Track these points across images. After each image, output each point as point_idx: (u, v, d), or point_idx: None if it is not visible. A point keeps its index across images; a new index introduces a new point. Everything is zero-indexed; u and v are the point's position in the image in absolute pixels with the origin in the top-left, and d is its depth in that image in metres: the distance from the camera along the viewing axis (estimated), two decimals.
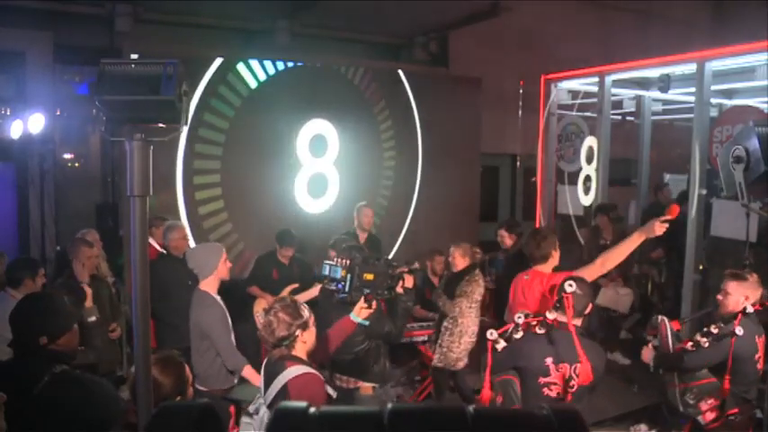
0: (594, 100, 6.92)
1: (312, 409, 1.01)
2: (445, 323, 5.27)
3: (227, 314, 4.05)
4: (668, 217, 3.86)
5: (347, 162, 7.19)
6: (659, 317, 4.03)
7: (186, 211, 6.24)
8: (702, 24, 10.85)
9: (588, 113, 7.34)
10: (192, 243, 6.02)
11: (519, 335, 3.31)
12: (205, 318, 3.95)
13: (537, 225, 7.40)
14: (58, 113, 6.73)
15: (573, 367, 3.31)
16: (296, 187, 6.92)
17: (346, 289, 3.63)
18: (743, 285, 3.87)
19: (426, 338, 5.97)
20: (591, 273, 3.99)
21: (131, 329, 2.19)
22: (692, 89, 5.95)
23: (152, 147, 1.95)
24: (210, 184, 6.37)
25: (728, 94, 7.10)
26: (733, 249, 5.55)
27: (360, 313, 3.43)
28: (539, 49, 8.86)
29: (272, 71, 6.67)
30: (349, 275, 3.61)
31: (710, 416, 3.76)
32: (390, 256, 7.02)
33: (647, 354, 3.98)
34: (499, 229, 6.04)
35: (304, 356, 2.90)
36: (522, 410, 1.83)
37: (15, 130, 5.99)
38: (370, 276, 3.66)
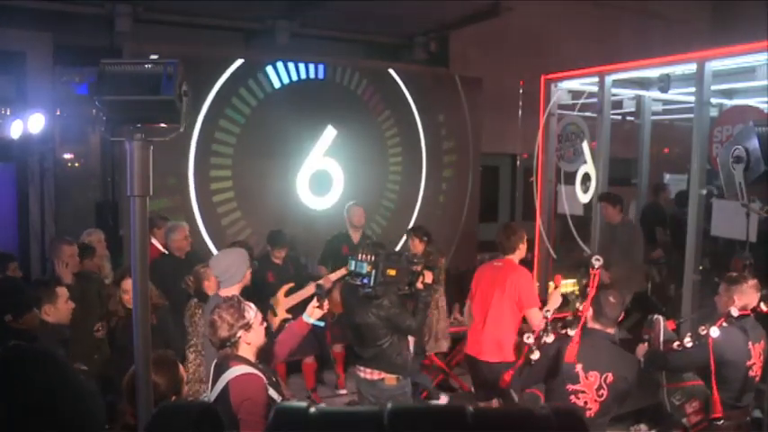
0: (595, 100, 6.92)
1: (312, 409, 1.01)
2: None
3: None
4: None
5: (352, 165, 7.28)
6: (655, 315, 4.05)
7: (198, 200, 6.51)
8: (702, 24, 10.84)
9: (588, 113, 7.33)
10: (208, 240, 6.35)
11: (549, 338, 3.29)
12: None
13: (537, 225, 7.41)
14: (58, 113, 6.73)
15: (603, 377, 3.23)
16: (299, 184, 7.06)
17: (371, 284, 3.80)
18: (738, 289, 3.84)
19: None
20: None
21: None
22: (692, 89, 5.94)
23: (152, 147, 1.95)
24: (223, 177, 6.68)
25: (728, 94, 7.08)
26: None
27: (312, 314, 3.41)
28: (539, 49, 8.85)
29: (277, 84, 6.83)
30: (374, 271, 3.79)
31: (695, 419, 3.74)
32: None
33: (641, 351, 3.99)
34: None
35: (250, 357, 2.89)
36: (521, 410, 1.82)
37: (15, 129, 5.99)
38: (392, 272, 3.86)
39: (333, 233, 6.46)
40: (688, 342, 3.71)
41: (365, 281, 3.85)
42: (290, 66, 6.89)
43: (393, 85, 7.62)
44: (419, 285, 4.10)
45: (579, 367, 3.22)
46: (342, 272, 5.23)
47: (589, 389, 3.23)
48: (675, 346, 3.77)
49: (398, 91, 7.65)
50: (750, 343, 3.78)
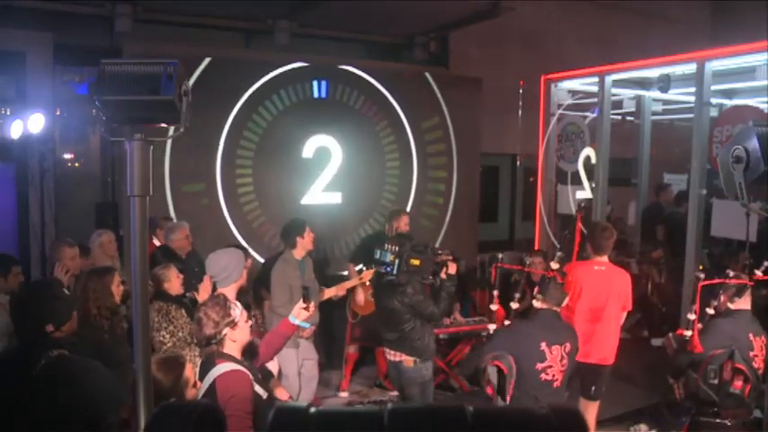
0: (595, 100, 6.93)
1: (312, 409, 1.01)
2: None
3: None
4: None
5: (355, 166, 7.40)
6: (660, 341, 4.29)
7: (224, 191, 6.91)
8: (702, 24, 10.85)
9: (588, 113, 7.34)
10: (231, 225, 6.77)
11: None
12: None
13: (537, 225, 7.41)
14: (58, 113, 6.72)
15: (563, 347, 3.60)
16: (302, 183, 7.27)
17: (394, 272, 4.17)
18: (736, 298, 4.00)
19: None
20: None
21: (131, 328, 2.21)
22: (692, 89, 5.94)
23: (152, 147, 1.95)
24: (245, 175, 7.06)
25: (728, 94, 7.09)
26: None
27: (298, 315, 3.44)
28: (539, 49, 8.85)
29: (288, 103, 7.13)
30: (397, 260, 4.16)
31: (739, 382, 3.80)
32: None
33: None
34: None
35: (236, 354, 2.95)
36: (521, 409, 1.82)
37: (15, 130, 5.98)
38: (416, 262, 4.23)
39: (333, 227, 6.55)
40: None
41: (388, 269, 4.19)
42: (298, 86, 7.16)
43: (381, 92, 7.66)
44: (443, 275, 4.40)
45: (544, 345, 3.57)
46: (355, 281, 5.59)
47: (555, 362, 3.60)
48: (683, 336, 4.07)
49: (384, 95, 7.68)
50: (752, 334, 3.90)
